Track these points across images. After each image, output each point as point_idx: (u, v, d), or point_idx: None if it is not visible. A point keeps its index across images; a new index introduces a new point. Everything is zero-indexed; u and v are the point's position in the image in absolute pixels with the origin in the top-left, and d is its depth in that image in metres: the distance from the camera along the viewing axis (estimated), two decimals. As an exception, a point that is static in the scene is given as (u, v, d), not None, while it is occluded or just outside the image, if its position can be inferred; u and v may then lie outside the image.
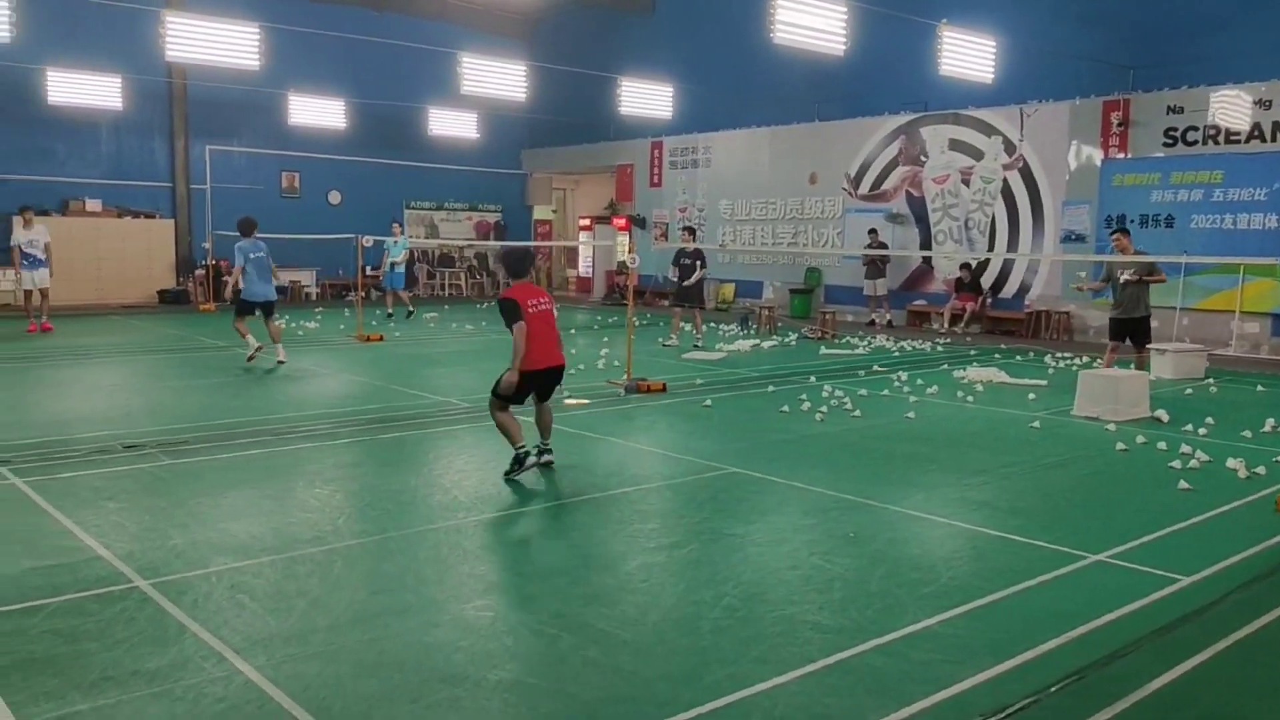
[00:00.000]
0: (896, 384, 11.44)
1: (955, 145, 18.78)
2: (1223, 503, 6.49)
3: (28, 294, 15.65)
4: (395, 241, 19.47)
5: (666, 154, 24.54)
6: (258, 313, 12.52)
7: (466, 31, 24.93)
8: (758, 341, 15.85)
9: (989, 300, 18.33)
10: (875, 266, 19.22)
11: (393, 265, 19.45)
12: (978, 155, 18.43)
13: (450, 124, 23.15)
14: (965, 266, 18.42)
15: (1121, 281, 10.85)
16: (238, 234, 12.53)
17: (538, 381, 6.93)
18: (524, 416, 7.13)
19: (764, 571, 5.08)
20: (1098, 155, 16.78)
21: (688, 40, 23.21)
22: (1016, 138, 17.83)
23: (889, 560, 5.23)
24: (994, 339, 17.12)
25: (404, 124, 24.13)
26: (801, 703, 3.61)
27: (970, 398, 10.64)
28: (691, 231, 16.47)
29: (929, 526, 5.97)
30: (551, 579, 5.01)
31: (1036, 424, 9.13)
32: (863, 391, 10.85)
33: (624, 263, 20.27)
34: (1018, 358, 14.39)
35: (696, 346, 14.68)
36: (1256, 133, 14.95)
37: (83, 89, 19.07)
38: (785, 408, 9.74)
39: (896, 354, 14.71)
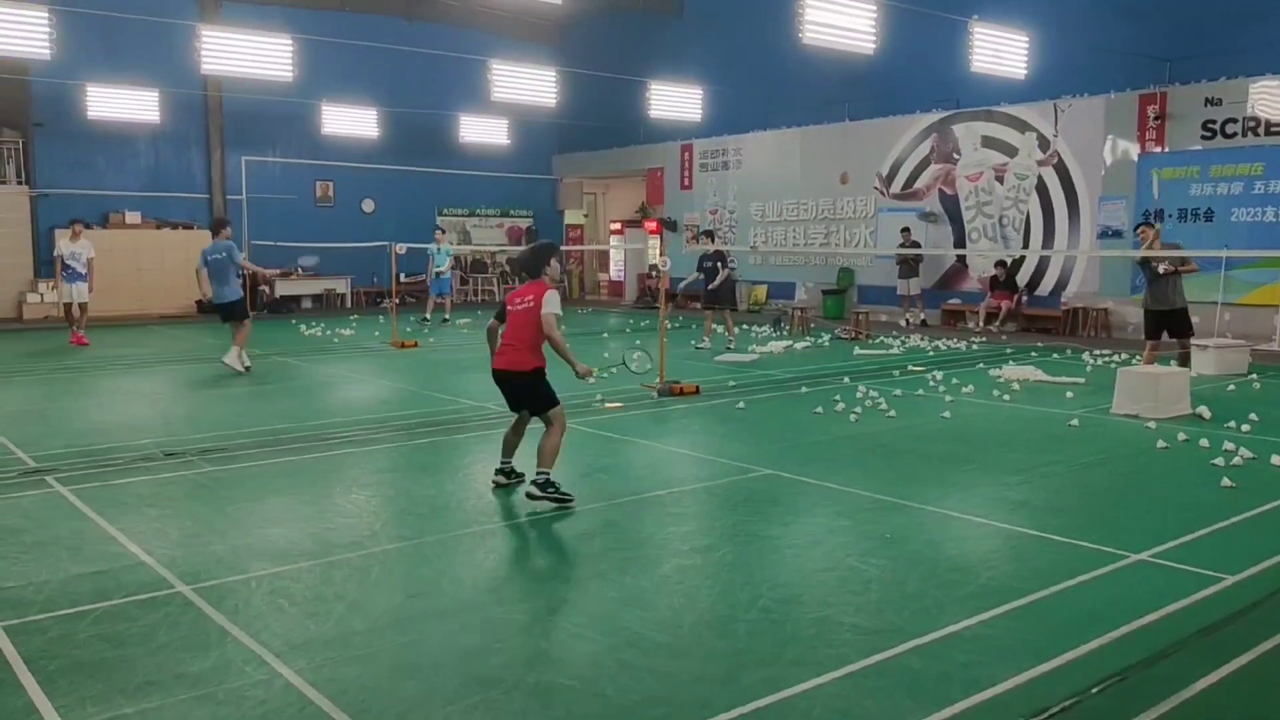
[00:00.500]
0: (931, 384, 11.34)
1: (988, 142, 18.61)
2: (1267, 500, 6.37)
3: (68, 306, 15.91)
4: (438, 248, 19.63)
5: (697, 157, 24.52)
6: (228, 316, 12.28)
7: (496, 38, 25.08)
8: (790, 343, 15.79)
9: (1024, 298, 18.14)
10: (909, 266, 19.09)
11: (437, 274, 19.61)
12: (1011, 152, 18.24)
13: (481, 130, 23.36)
14: (1000, 264, 18.24)
15: (1161, 272, 10.74)
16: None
17: (499, 383, 6.45)
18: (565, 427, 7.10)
19: (799, 573, 5.06)
20: (1134, 149, 16.55)
21: (717, 42, 23.19)
22: (1051, 133, 17.63)
23: (926, 561, 5.19)
24: (1030, 337, 16.93)
25: (435, 131, 24.31)
26: (839, 705, 3.59)
27: (1007, 397, 10.53)
28: (710, 235, 16.43)
29: (966, 527, 5.91)
30: (586, 582, 5.03)
31: (1075, 422, 9.01)
32: (897, 392, 10.78)
33: (655, 266, 20.32)
34: (1054, 356, 14.22)
35: (729, 349, 14.65)
36: (1298, 123, 14.69)
37: (122, 103, 19.47)
38: (819, 409, 9.70)
39: (931, 353, 14.59)
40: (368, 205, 25.18)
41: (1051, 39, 16.13)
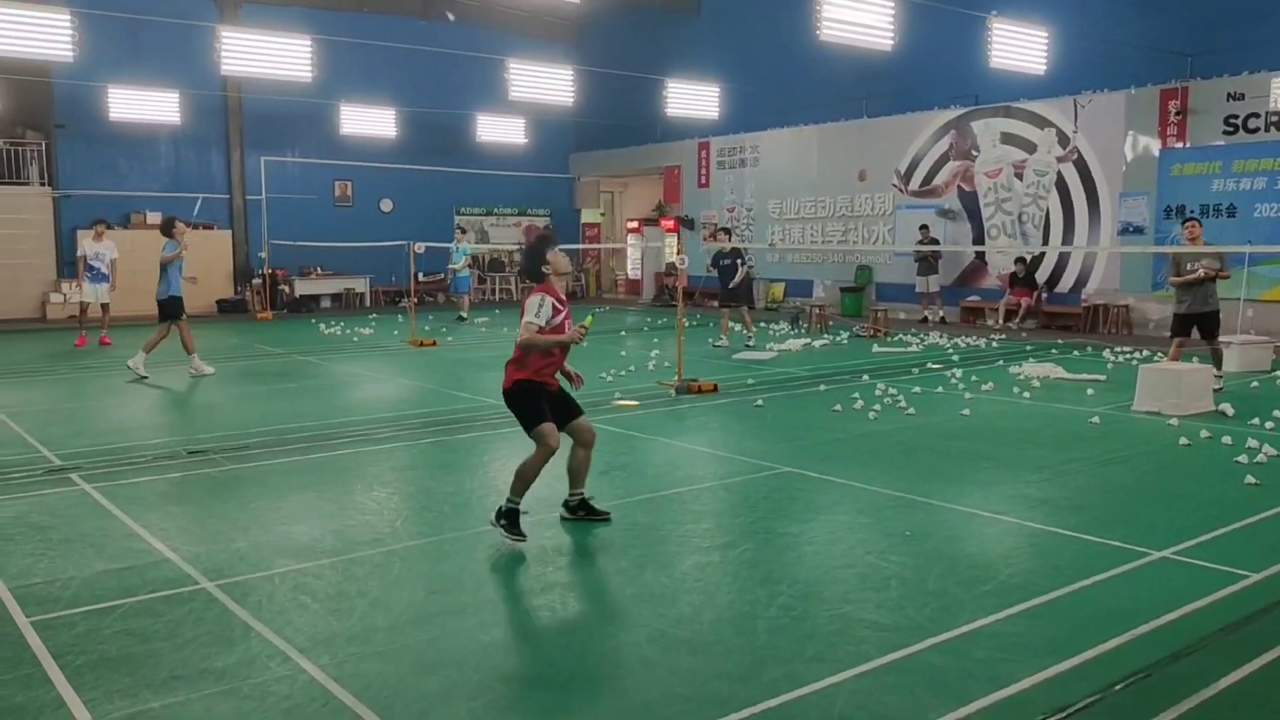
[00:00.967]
0: (951, 381, 11.29)
1: (1007, 138, 18.51)
2: (1292, 498, 6.32)
3: (85, 306, 15.87)
4: (457, 247, 19.71)
5: (714, 154, 24.50)
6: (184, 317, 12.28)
7: (513, 37, 25.13)
8: (809, 340, 15.76)
9: (1044, 295, 18.03)
10: (927, 263, 19.02)
11: (454, 272, 19.69)
12: (1031, 148, 18.14)
13: (498, 130, 23.42)
14: (1020, 261, 18.13)
15: (1202, 276, 10.53)
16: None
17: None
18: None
19: (819, 570, 5.06)
20: (1155, 145, 16.42)
21: (733, 39, 23.16)
22: (1070, 129, 17.51)
23: (946, 558, 5.17)
24: (1050, 334, 16.83)
25: (453, 131, 24.39)
26: (859, 701, 3.59)
27: (1027, 394, 10.48)
28: (727, 232, 16.37)
29: (986, 524, 5.89)
30: (607, 579, 5.05)
31: (1096, 419, 8.96)
32: (916, 389, 10.74)
33: (673, 264, 20.30)
34: (1075, 353, 14.13)
35: (748, 346, 14.64)
36: (1321, 118, 14.56)
37: (143, 105, 19.65)
38: (838, 406, 9.68)
39: (950, 351, 14.53)
40: (386, 205, 25.29)
41: (1071, 34, 16.02)
